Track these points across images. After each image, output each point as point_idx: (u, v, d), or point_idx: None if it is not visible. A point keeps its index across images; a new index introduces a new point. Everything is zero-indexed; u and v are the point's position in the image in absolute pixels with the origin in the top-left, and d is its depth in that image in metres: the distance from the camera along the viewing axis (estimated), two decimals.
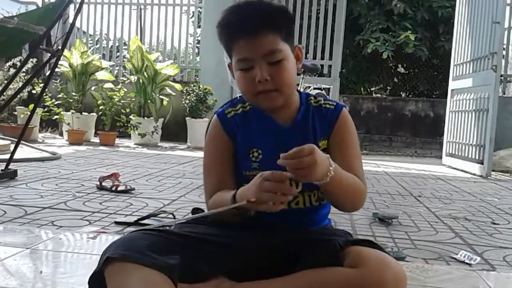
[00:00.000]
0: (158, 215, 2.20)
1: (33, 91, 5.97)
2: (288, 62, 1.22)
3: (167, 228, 1.27)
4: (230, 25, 1.23)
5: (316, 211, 1.31)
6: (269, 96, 1.22)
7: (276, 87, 1.20)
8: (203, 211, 1.31)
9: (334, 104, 1.32)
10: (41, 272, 1.37)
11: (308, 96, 1.35)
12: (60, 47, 2.91)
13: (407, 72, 9.36)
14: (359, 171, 1.28)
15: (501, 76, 5.96)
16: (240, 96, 1.35)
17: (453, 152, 5.72)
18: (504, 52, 6.39)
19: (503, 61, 6.44)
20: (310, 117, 1.29)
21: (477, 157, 5.04)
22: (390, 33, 8.24)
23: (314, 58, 6.93)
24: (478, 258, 1.83)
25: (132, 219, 2.14)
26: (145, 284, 1.00)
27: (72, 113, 6.02)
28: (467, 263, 1.78)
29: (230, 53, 1.25)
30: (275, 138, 1.27)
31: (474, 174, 4.95)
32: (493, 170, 4.95)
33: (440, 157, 6.21)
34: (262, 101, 1.24)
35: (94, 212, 2.26)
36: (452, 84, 5.95)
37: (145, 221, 2.09)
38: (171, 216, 2.20)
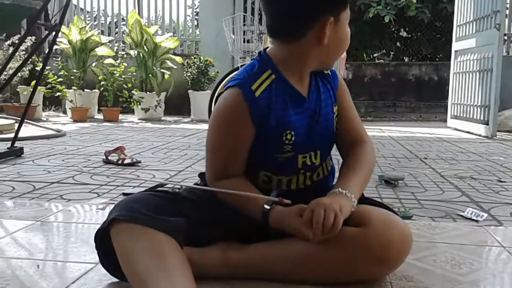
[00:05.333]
0: (166, 186, 2.21)
1: (35, 69, 5.96)
2: None
3: (175, 190, 1.27)
4: None
5: (328, 179, 1.31)
6: None
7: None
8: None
9: (328, 71, 1.28)
10: (38, 266, 1.24)
11: None
12: (57, 22, 2.89)
13: (409, 36, 9.24)
14: (362, 130, 1.31)
15: (505, 35, 5.87)
16: (253, 62, 1.20)
17: (458, 114, 5.69)
18: (507, 11, 6.29)
19: (507, 19, 6.34)
20: (319, 83, 1.25)
21: (482, 118, 5.02)
22: None
23: None
24: (485, 215, 1.84)
25: (140, 190, 2.15)
26: (151, 246, 1.01)
27: (74, 90, 6.01)
28: (474, 220, 1.79)
29: (339, 11, 1.14)
30: (304, 115, 1.19)
31: (480, 135, 4.94)
32: (498, 131, 4.93)
33: (445, 121, 6.18)
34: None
35: (102, 185, 2.28)
36: (456, 45, 5.88)
37: None
38: (179, 186, 2.21)
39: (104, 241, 1.08)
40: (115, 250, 1.04)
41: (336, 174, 1.29)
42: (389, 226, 1.06)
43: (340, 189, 1.11)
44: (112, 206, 1.84)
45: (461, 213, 1.87)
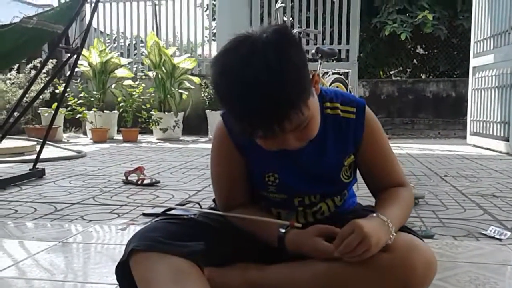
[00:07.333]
0: (185, 205, 2.22)
1: (56, 91, 6.07)
2: (314, 117, 1.04)
3: (191, 216, 1.29)
4: (241, 116, 1.00)
5: (342, 206, 1.29)
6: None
7: (303, 144, 1.07)
8: None
9: (354, 109, 1.18)
10: None
11: (324, 100, 1.18)
12: (78, 45, 2.95)
13: (426, 53, 9.23)
14: (399, 173, 1.25)
15: None
16: None
17: (478, 131, 5.63)
18: None
19: None
20: (329, 131, 1.17)
21: (502, 135, 4.96)
22: (407, 14, 8.11)
23: (331, 43, 6.88)
24: (509, 233, 1.81)
25: (159, 210, 2.16)
26: (170, 272, 1.01)
27: (94, 111, 6.10)
28: (497, 238, 1.76)
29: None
30: (291, 160, 1.16)
31: (500, 152, 4.87)
32: None
33: (464, 137, 6.12)
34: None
35: (122, 206, 2.29)
36: (473, 62, 5.85)
37: (172, 212, 2.12)
38: (197, 206, 2.22)
39: (125, 274, 1.08)
40: (135, 280, 1.04)
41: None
42: (412, 252, 1.04)
43: (386, 219, 1.06)
44: (133, 226, 1.87)
45: (484, 232, 1.84)
